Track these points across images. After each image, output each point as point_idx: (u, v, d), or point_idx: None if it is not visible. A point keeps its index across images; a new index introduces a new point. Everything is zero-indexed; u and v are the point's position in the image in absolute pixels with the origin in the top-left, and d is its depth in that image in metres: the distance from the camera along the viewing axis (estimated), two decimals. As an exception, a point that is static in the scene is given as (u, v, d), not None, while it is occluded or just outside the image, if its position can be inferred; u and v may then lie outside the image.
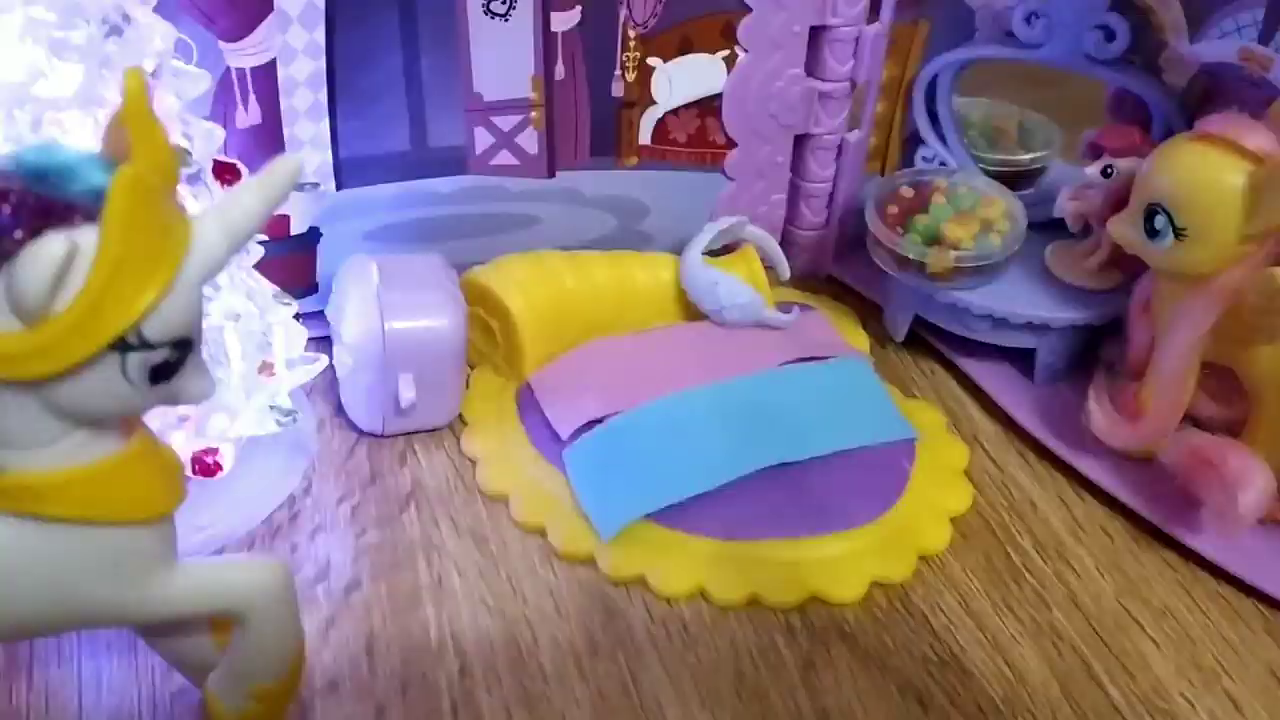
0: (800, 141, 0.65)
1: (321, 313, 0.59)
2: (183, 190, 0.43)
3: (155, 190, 0.32)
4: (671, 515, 0.52)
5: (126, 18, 0.41)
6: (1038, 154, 0.68)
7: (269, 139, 0.55)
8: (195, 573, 0.39)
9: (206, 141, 0.47)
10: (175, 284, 0.32)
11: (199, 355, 0.34)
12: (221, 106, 0.54)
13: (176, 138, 0.45)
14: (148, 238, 0.31)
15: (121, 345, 0.32)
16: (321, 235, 0.59)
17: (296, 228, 0.58)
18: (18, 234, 0.30)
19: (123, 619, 0.39)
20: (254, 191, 0.34)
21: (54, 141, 0.37)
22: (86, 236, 0.31)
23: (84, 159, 0.32)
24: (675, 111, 0.62)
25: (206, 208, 0.34)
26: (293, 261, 0.59)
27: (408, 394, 0.55)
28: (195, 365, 0.34)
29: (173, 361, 0.33)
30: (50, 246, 0.30)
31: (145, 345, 0.32)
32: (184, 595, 0.38)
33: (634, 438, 0.55)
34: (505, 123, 0.59)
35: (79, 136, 0.41)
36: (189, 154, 0.46)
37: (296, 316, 0.55)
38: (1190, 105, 0.59)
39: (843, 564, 0.52)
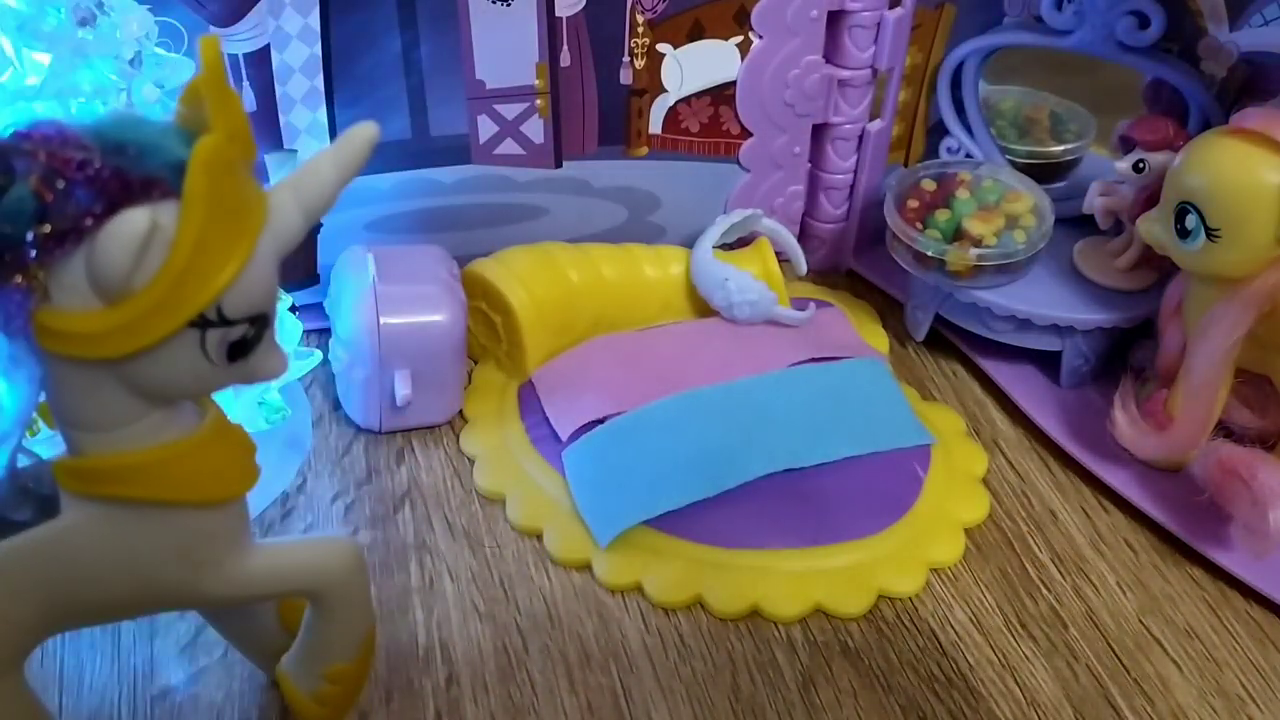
0: (819, 131, 0.63)
1: (323, 304, 0.58)
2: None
3: (234, 162, 0.31)
4: (671, 521, 0.50)
5: (101, 4, 0.40)
6: (1071, 145, 0.66)
7: (264, 127, 0.53)
8: (271, 553, 0.38)
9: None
10: (253, 259, 0.31)
11: (273, 332, 0.34)
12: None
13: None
14: (228, 212, 0.31)
15: (201, 322, 0.31)
16: (321, 226, 0.58)
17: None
18: (96, 209, 0.30)
19: (200, 601, 0.38)
20: (329, 162, 0.33)
21: (132, 112, 0.35)
22: (166, 211, 0.30)
23: (163, 131, 0.31)
24: (687, 100, 0.60)
25: (281, 180, 0.33)
26: (293, 252, 0.58)
27: (404, 390, 0.53)
28: (269, 342, 0.34)
29: (250, 338, 0.33)
30: (132, 223, 0.29)
31: (224, 322, 0.32)
32: (260, 576, 0.38)
33: (635, 440, 0.53)
34: (509, 111, 0.57)
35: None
36: None
37: (292, 309, 0.54)
38: (1229, 97, 0.56)
39: (848, 576, 0.50)
